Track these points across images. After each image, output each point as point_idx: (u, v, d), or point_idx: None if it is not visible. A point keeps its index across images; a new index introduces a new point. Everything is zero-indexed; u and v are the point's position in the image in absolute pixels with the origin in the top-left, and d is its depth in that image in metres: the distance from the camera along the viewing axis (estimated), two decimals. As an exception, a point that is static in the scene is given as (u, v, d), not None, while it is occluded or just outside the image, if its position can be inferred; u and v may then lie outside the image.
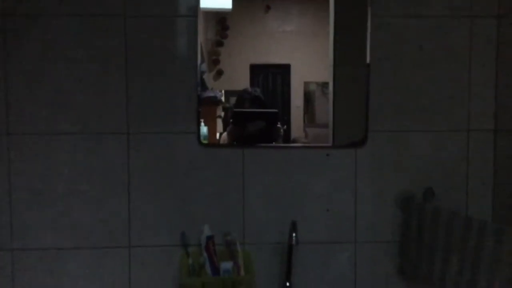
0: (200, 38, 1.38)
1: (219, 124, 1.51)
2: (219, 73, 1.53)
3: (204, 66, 1.46)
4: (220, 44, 1.53)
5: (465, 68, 1.39)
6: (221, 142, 1.48)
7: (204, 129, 1.42)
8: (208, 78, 1.51)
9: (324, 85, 1.51)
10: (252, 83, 1.52)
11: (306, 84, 1.56)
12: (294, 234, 1.26)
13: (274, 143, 1.47)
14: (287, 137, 1.49)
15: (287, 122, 1.52)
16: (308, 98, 1.56)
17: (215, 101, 1.51)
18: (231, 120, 1.48)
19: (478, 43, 1.39)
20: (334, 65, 1.46)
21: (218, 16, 1.53)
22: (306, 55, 1.55)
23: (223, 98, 1.53)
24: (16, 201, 1.35)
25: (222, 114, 1.52)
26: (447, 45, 1.39)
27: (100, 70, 1.35)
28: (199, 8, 1.36)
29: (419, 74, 1.39)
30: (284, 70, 1.54)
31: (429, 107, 1.40)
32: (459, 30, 1.39)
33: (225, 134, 1.49)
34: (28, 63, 1.34)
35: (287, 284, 1.33)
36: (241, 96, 1.51)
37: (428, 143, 1.40)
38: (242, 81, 1.52)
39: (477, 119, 1.40)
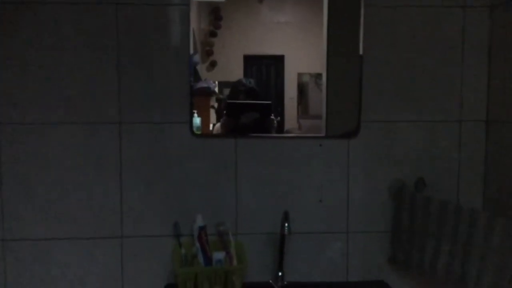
0: (194, 29, 1.37)
1: (212, 115, 1.50)
2: (213, 64, 1.52)
3: (197, 57, 1.46)
4: (213, 34, 1.52)
5: (458, 58, 1.40)
6: (215, 133, 1.47)
7: (197, 120, 1.42)
8: (202, 69, 1.50)
9: (318, 76, 1.51)
10: (245, 74, 1.51)
11: (300, 75, 1.55)
12: (286, 224, 1.26)
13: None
14: (280, 129, 1.49)
15: (280, 113, 1.51)
16: (302, 90, 1.55)
17: (208, 92, 1.50)
18: (224, 112, 1.48)
19: (470, 34, 1.39)
20: (328, 56, 1.46)
21: (211, 6, 1.51)
22: (300, 46, 1.54)
23: (216, 89, 1.52)
24: (7, 191, 1.34)
25: (216, 105, 1.52)
26: (439, 36, 1.39)
27: (92, 59, 1.34)
28: (192, -4, 1.35)
29: (411, 65, 1.39)
30: (278, 61, 1.53)
31: (422, 97, 1.40)
32: (452, 20, 1.39)
33: (218, 125, 1.49)
34: (19, 51, 1.33)
35: (280, 273, 1.34)
36: (235, 87, 1.50)
37: (420, 133, 1.40)
38: (235, 72, 1.51)
39: (469, 110, 1.40)
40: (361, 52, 1.39)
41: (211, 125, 1.48)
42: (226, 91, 1.52)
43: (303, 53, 1.53)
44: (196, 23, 1.43)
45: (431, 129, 1.40)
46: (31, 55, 1.33)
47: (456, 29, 1.39)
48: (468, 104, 1.40)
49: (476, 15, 1.39)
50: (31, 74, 1.33)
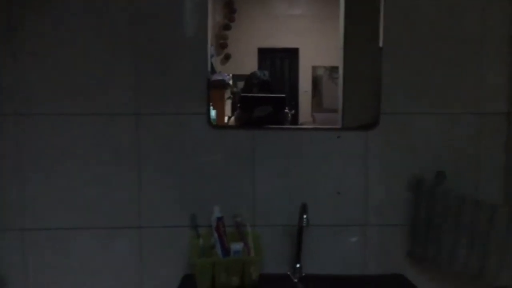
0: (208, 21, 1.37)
1: (228, 108, 1.50)
2: (227, 57, 1.52)
3: (212, 50, 1.45)
4: (227, 27, 1.51)
5: (478, 50, 1.38)
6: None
7: (212, 113, 1.41)
8: (216, 62, 1.50)
9: (332, 69, 1.50)
10: (259, 67, 1.50)
11: (314, 68, 1.54)
12: (305, 216, 1.25)
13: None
14: (295, 122, 1.48)
15: (295, 107, 1.51)
16: (316, 83, 1.54)
17: (223, 85, 1.50)
18: (238, 105, 1.47)
19: (491, 24, 1.38)
20: (344, 48, 1.45)
21: (225, -1, 1.51)
22: (314, 39, 1.53)
23: (231, 82, 1.52)
24: (27, 182, 1.35)
25: (231, 97, 1.52)
26: (460, 26, 1.38)
27: (110, 51, 1.34)
28: (208, -11, 1.35)
29: (431, 56, 1.38)
30: (292, 54, 1.53)
31: (441, 89, 1.39)
32: (472, 12, 1.37)
33: (233, 118, 1.48)
34: (36, 44, 1.33)
35: (297, 265, 1.33)
36: (249, 80, 1.50)
37: (439, 125, 1.39)
38: (249, 65, 1.50)
39: (489, 102, 1.39)
40: (380, 44, 1.37)
41: (226, 118, 1.48)
42: (241, 84, 1.51)
43: (317, 46, 1.53)
44: (210, 16, 1.42)
45: (451, 121, 1.39)
46: (48, 48, 1.33)
47: (477, 19, 1.37)
48: (488, 96, 1.39)
49: (497, 5, 1.37)
50: (49, 67, 1.34)
